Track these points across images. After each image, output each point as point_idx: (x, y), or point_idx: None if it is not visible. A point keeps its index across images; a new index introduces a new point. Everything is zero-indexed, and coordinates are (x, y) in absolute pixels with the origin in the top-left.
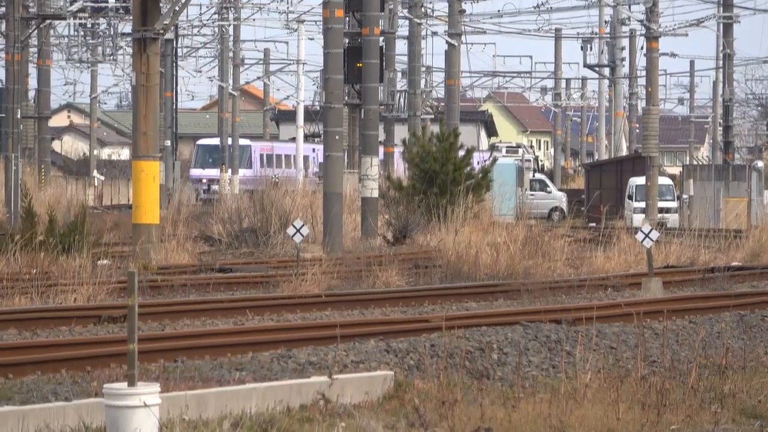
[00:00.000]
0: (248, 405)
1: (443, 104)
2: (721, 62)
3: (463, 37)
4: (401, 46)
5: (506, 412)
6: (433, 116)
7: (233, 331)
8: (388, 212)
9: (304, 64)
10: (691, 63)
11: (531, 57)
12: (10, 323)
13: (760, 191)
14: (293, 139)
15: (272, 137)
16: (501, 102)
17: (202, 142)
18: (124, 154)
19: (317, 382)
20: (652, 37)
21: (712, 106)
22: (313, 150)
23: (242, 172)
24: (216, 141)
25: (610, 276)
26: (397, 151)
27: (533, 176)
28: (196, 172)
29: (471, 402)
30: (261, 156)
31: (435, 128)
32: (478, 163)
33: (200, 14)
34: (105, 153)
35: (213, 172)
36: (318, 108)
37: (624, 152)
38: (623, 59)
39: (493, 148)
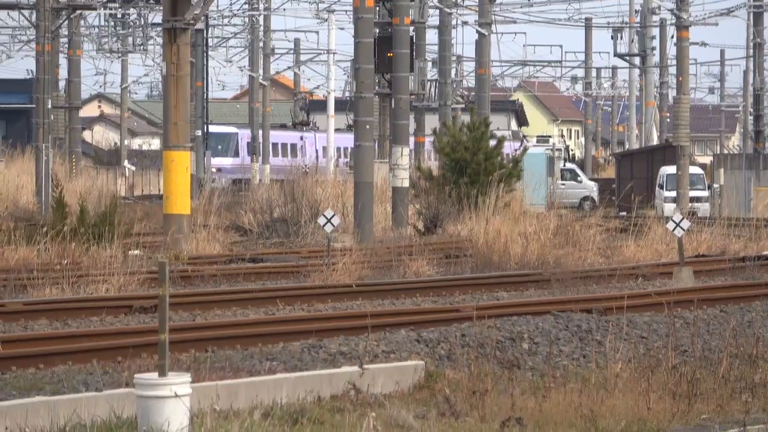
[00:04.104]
0: (279, 395)
1: (474, 94)
2: (751, 51)
3: (493, 27)
4: (431, 36)
5: (537, 401)
6: (463, 106)
7: (264, 321)
8: (419, 202)
9: (334, 53)
10: (722, 52)
11: (561, 46)
12: (41, 313)
13: None
14: (282, 126)
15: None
16: (531, 91)
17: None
18: (155, 144)
19: (348, 372)
20: (682, 27)
21: (742, 95)
22: (301, 138)
23: (231, 161)
24: (214, 129)
25: (640, 265)
26: (428, 140)
27: (564, 166)
28: None
29: (502, 392)
30: (248, 144)
31: (465, 118)
32: (507, 154)
33: (230, 4)
34: (136, 143)
35: (213, 161)
36: (348, 98)
37: (655, 141)
38: (653, 48)
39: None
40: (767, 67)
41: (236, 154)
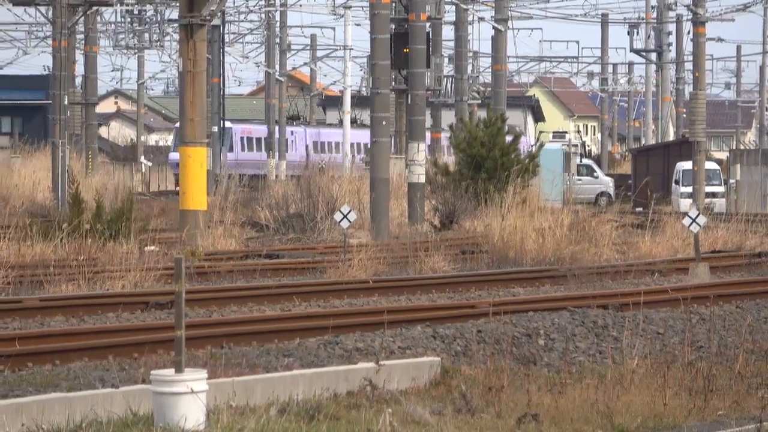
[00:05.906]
0: (295, 391)
1: (490, 89)
2: (767, 47)
3: (509, 23)
4: (448, 32)
5: (553, 398)
6: (479, 101)
7: (280, 317)
8: (435, 198)
9: (350, 49)
10: (738, 48)
11: (578, 42)
12: (57, 310)
13: None
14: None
15: (318, 122)
16: (548, 87)
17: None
18: (171, 140)
19: (364, 368)
20: (698, 22)
21: (758, 90)
22: (292, 133)
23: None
24: None
25: (657, 261)
26: (444, 136)
27: (580, 161)
28: (174, 155)
29: (518, 388)
30: (242, 139)
31: (482, 113)
32: (524, 149)
33: (247, 0)
34: (152, 139)
35: None
36: (363, 93)
37: (671, 137)
38: (670, 44)
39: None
40: None
41: (231, 149)
